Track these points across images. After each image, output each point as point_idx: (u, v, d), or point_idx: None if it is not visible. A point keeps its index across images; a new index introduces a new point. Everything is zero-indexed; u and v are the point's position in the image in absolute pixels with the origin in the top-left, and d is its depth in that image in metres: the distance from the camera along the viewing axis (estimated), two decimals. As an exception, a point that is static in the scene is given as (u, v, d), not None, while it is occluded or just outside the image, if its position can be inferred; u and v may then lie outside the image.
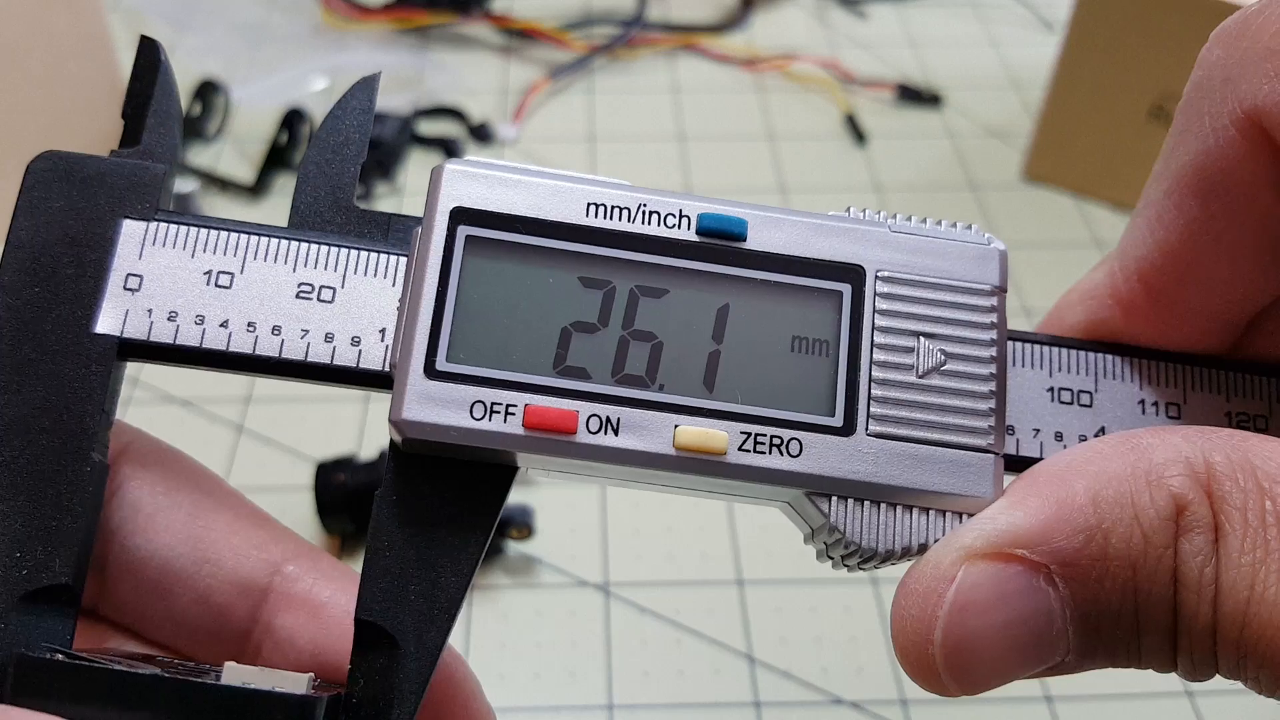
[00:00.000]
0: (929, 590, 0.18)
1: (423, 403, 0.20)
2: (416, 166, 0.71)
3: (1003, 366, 0.21)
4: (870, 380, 0.20)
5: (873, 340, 0.21)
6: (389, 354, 0.20)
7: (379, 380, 0.21)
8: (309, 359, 0.20)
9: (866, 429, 0.20)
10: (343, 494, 0.49)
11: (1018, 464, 0.21)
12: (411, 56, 0.80)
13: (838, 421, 0.20)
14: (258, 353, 0.20)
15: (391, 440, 0.20)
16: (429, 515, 0.20)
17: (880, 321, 0.21)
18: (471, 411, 0.20)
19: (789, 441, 0.20)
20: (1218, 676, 0.18)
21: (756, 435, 0.20)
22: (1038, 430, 0.21)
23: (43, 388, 0.20)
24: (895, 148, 0.75)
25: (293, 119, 0.70)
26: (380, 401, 0.62)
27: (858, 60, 0.81)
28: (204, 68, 0.74)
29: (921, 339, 0.21)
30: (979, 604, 0.18)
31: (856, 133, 0.75)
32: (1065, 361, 0.22)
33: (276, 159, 0.69)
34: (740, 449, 0.20)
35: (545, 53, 0.81)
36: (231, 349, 0.20)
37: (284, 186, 0.70)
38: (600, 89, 0.79)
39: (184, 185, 0.68)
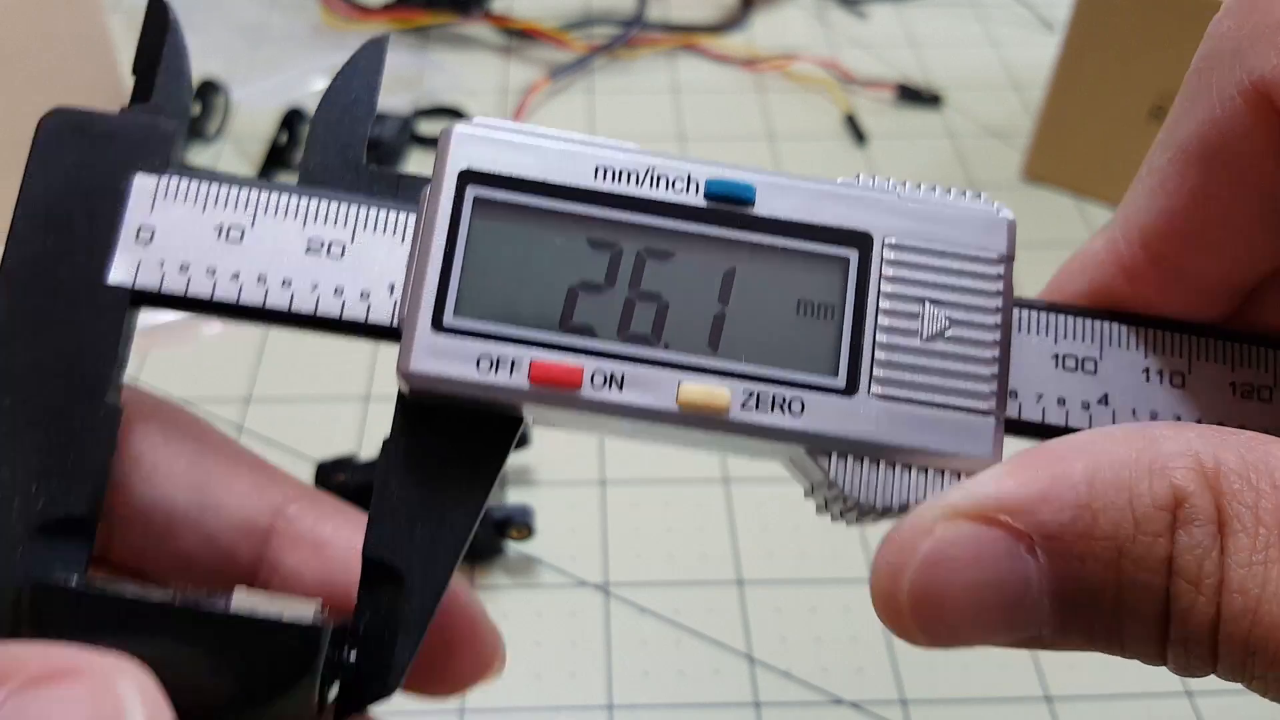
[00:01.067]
0: (907, 541, 0.18)
1: (429, 355, 0.20)
2: (416, 166, 0.71)
3: (1007, 332, 0.21)
4: (874, 344, 0.21)
5: (878, 305, 0.21)
6: (397, 309, 0.21)
7: (387, 333, 0.21)
8: (319, 312, 0.21)
9: (869, 390, 0.21)
10: (343, 493, 0.49)
11: (1019, 428, 0.21)
12: (411, 57, 0.80)
13: (840, 383, 0.21)
14: (268, 305, 0.21)
15: (399, 391, 0.21)
16: (435, 460, 0.21)
17: (886, 288, 0.21)
18: (477, 365, 0.20)
19: (791, 401, 0.20)
20: (1213, 677, 0.18)
21: (759, 394, 0.20)
22: (1040, 395, 0.21)
23: (58, 335, 0.20)
24: (895, 147, 0.75)
25: (292, 119, 0.70)
26: (381, 403, 0.62)
27: (858, 60, 0.81)
28: (204, 68, 0.75)
29: (927, 304, 0.21)
30: (952, 560, 0.18)
31: (857, 133, 0.75)
32: (1070, 329, 0.22)
33: (276, 159, 0.70)
34: (743, 407, 0.20)
35: (545, 53, 0.81)
36: (242, 301, 0.21)
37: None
38: (600, 89, 0.79)
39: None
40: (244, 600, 0.19)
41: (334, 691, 0.20)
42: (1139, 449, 0.18)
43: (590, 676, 0.47)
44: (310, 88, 0.75)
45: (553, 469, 0.54)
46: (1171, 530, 0.17)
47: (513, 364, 0.20)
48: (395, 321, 0.21)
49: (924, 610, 0.18)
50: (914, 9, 0.88)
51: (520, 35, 0.82)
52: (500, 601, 0.49)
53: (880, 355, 0.21)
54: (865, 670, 0.47)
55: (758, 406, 0.20)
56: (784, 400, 0.20)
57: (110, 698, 0.15)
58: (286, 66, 0.75)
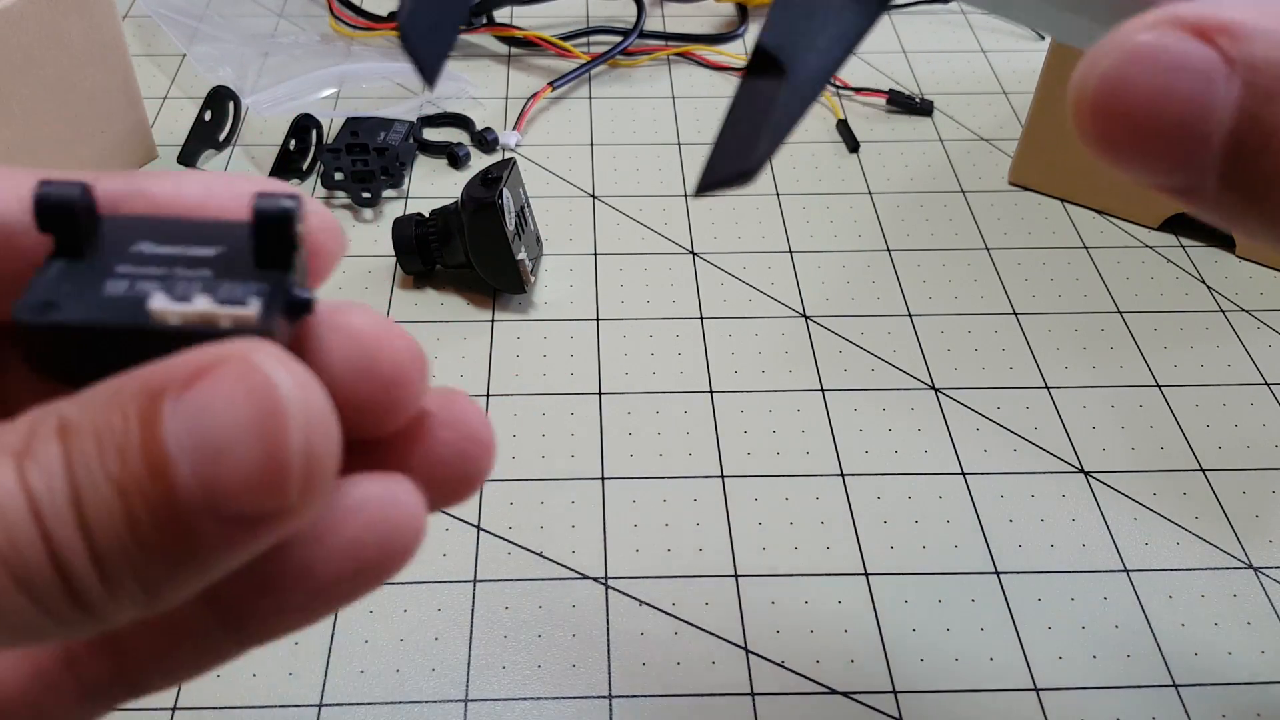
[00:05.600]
0: (1124, 34, 0.17)
1: None
2: (421, 171, 0.73)
3: None
4: None
5: None
6: None
7: None
8: None
9: None
10: (413, 241, 0.63)
11: None
12: (416, 64, 0.81)
13: None
14: None
15: None
16: None
17: None
18: None
19: None
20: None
21: None
22: None
23: None
24: (887, 152, 0.76)
25: (302, 125, 0.72)
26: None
27: (851, 68, 0.83)
28: (215, 76, 0.76)
29: None
30: (1153, 61, 0.17)
31: (849, 139, 0.77)
32: None
33: (285, 164, 0.71)
34: None
35: (546, 61, 0.83)
36: None
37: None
38: (600, 96, 0.80)
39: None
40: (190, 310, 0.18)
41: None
42: None
43: (590, 667, 0.48)
44: (319, 94, 0.77)
45: (555, 465, 0.56)
46: None
47: None
48: None
49: (1104, 101, 0.17)
50: (906, 17, 0.90)
51: (522, 44, 0.83)
52: (503, 595, 0.50)
53: None
54: (858, 661, 0.48)
55: None
56: None
57: (257, 375, 0.15)
58: (296, 74, 0.77)
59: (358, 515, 0.18)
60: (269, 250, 0.18)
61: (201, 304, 0.17)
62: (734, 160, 0.19)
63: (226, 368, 0.16)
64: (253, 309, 0.17)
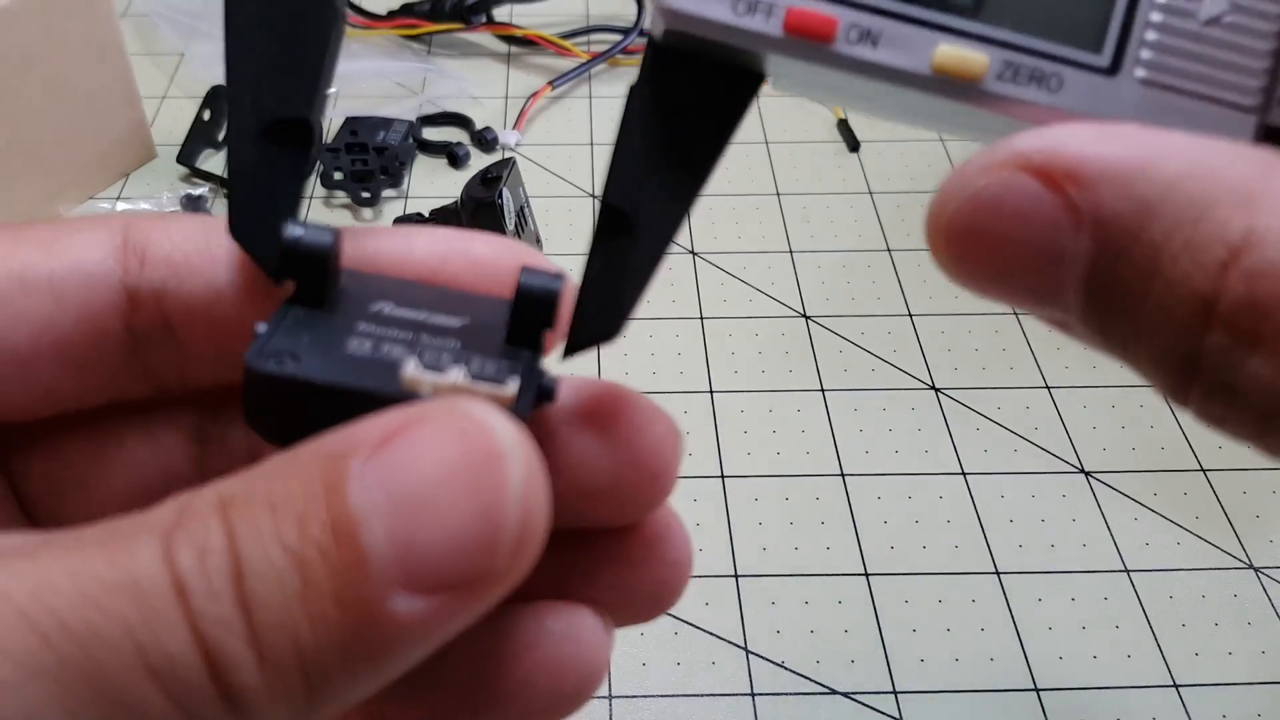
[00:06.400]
0: (972, 171, 0.17)
1: None
2: (421, 171, 0.72)
3: None
4: (1147, 22, 0.19)
5: None
6: None
7: None
8: None
9: (1132, 73, 0.19)
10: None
11: None
12: (416, 63, 0.81)
13: (1105, 61, 0.19)
14: None
15: (650, 38, 0.20)
16: (677, 110, 0.20)
17: None
18: (734, 7, 0.19)
19: (1050, 76, 0.19)
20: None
21: (1018, 65, 0.19)
22: None
23: None
24: (887, 152, 0.76)
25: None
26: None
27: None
28: (213, 75, 0.76)
29: None
30: (999, 207, 0.16)
31: (850, 139, 0.76)
32: None
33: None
34: (998, 77, 0.19)
35: (546, 60, 0.83)
36: None
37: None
38: (600, 96, 0.80)
39: (195, 189, 0.69)
40: (444, 380, 0.17)
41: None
42: (1243, 174, 0.15)
43: (590, 667, 0.48)
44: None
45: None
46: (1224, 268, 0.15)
47: (770, 9, 0.19)
48: None
49: (956, 244, 0.17)
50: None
51: (522, 43, 0.83)
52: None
53: (1151, 36, 0.19)
54: (858, 662, 0.48)
55: (1015, 79, 0.19)
56: (1042, 74, 0.19)
57: (470, 422, 0.14)
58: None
59: (535, 652, 0.17)
60: (525, 328, 0.18)
61: (455, 376, 0.17)
62: (599, 322, 0.20)
63: (431, 419, 0.14)
64: (510, 389, 0.17)
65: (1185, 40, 0.20)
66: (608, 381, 0.19)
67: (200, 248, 0.19)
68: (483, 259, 0.20)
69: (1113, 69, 0.19)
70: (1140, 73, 0.19)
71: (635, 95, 0.21)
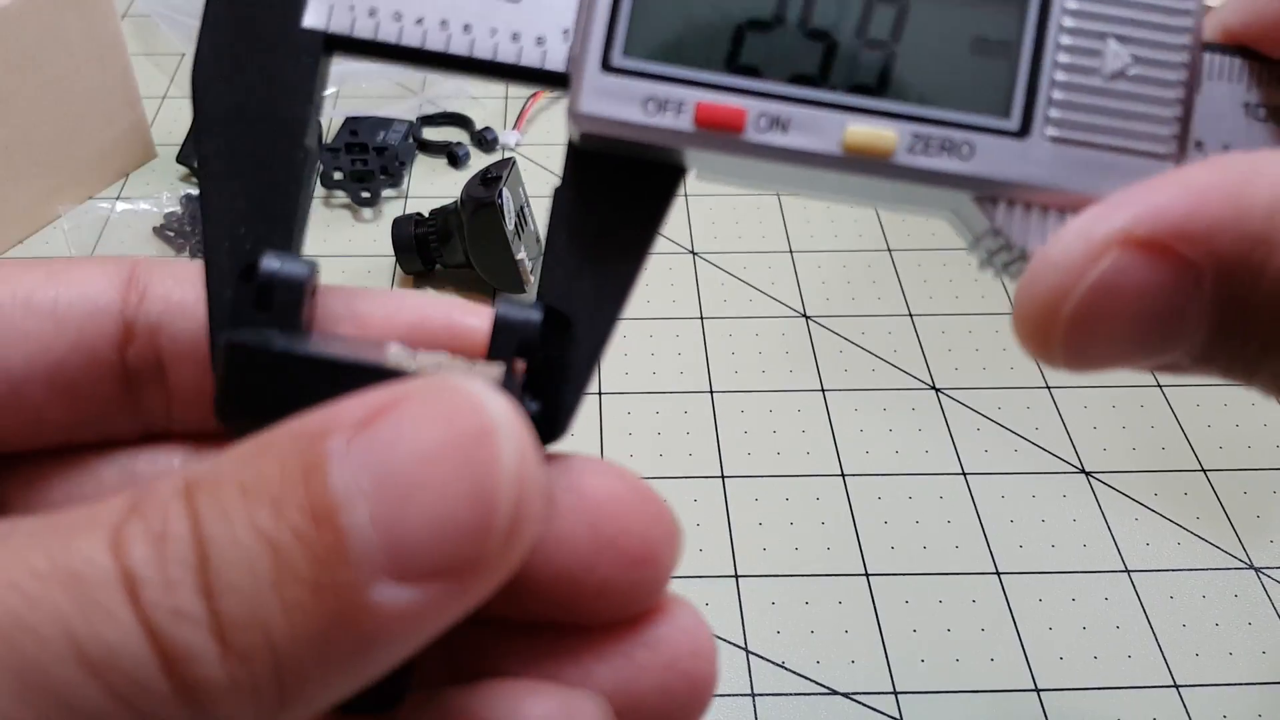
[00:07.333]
0: (1072, 265, 0.16)
1: (598, 96, 0.20)
2: (421, 171, 0.72)
3: (1195, 76, 0.20)
4: (1052, 82, 0.20)
5: (1058, 41, 0.20)
6: (569, 53, 0.20)
7: (560, 80, 0.21)
8: (497, 58, 0.21)
9: (1043, 132, 0.20)
10: (413, 240, 0.64)
11: None
12: (415, 64, 0.81)
13: (1014, 124, 0.20)
14: (450, 50, 0.20)
15: (569, 140, 0.21)
16: (601, 210, 0.21)
17: (1068, 22, 0.20)
18: (644, 107, 0.20)
19: (961, 144, 0.20)
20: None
21: (928, 137, 0.20)
22: (1227, 146, 0.20)
23: (258, 79, 0.20)
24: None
25: None
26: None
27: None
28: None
29: (1111, 41, 0.20)
30: (1120, 291, 0.16)
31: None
32: (1267, 76, 0.20)
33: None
34: (909, 150, 0.20)
35: (547, 60, 0.83)
36: (426, 46, 0.21)
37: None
38: (601, 96, 0.80)
39: (195, 189, 0.69)
40: (428, 359, 0.18)
41: None
42: None
43: (590, 667, 0.48)
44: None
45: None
46: None
47: (679, 105, 0.20)
48: (567, 66, 0.20)
49: (1078, 338, 0.16)
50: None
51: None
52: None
53: (1057, 95, 0.20)
54: (858, 662, 0.48)
55: (926, 150, 0.20)
56: (953, 143, 0.20)
57: (459, 397, 0.13)
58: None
59: None
60: (500, 351, 0.19)
61: (440, 356, 0.18)
62: (544, 426, 0.20)
63: (417, 395, 0.13)
64: (496, 370, 0.18)
65: (1093, 96, 0.20)
66: (592, 460, 0.19)
67: (198, 290, 0.19)
68: (454, 321, 0.20)
69: (1023, 131, 0.20)
70: (1052, 131, 0.20)
71: (559, 198, 0.21)
